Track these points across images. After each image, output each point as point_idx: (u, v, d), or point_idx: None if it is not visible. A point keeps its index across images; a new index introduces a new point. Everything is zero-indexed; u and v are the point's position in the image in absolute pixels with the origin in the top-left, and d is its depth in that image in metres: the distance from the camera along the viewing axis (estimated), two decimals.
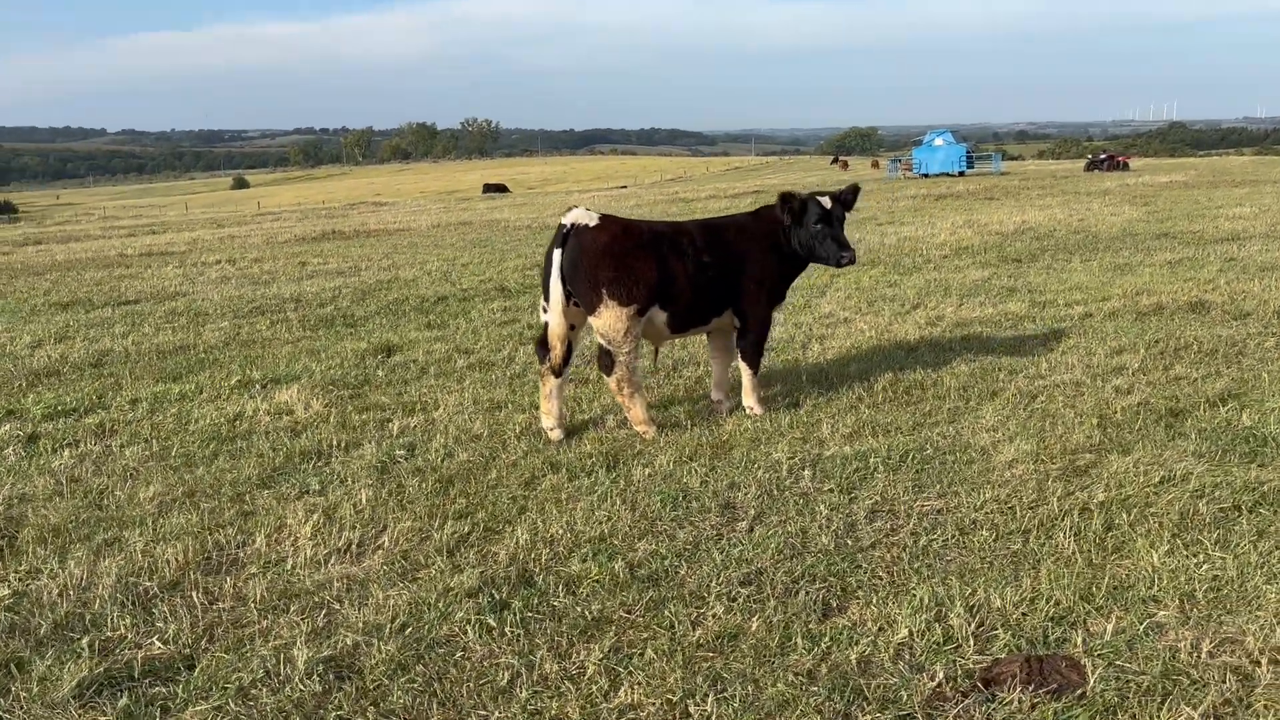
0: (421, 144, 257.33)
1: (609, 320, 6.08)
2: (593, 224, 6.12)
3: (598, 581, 4.30)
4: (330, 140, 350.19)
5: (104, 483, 5.68)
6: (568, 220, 6.13)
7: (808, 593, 4.20)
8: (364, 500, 5.27)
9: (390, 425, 6.70)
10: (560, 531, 4.85)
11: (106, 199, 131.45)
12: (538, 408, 6.86)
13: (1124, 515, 4.88)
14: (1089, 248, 15.73)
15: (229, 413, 7.08)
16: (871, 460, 5.80)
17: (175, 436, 6.56)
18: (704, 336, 7.42)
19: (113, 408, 7.34)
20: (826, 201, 6.71)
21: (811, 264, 7.06)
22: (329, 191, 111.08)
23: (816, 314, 10.60)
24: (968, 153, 52.99)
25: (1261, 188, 29.13)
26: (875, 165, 73.43)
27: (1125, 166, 49.55)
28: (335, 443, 6.33)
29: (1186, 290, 10.99)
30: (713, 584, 4.28)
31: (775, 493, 5.39)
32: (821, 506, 5.14)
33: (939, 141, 53.08)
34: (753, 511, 5.13)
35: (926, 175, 50.98)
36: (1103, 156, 51.05)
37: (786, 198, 6.69)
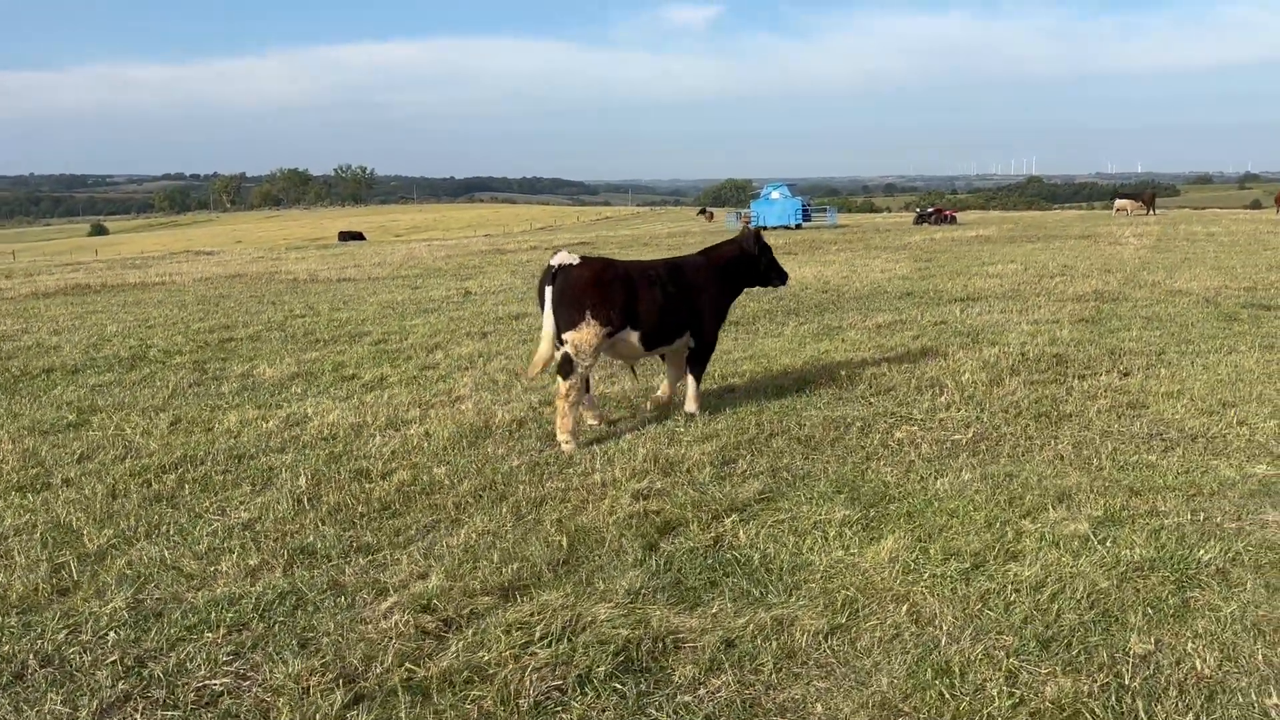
0: (294, 190, 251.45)
1: (586, 336, 7.20)
2: (575, 263, 7.32)
3: None
4: (200, 186, 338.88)
5: None
6: (555, 261, 7.31)
7: None
8: None
9: None
10: None
11: None
12: None
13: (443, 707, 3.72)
14: (820, 308, 15.04)
15: None
16: (232, 611, 4.56)
17: None
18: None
19: None
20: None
21: None
22: (189, 239, 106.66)
23: (426, 393, 9.39)
24: (804, 206, 53.46)
25: (1052, 243, 29.51)
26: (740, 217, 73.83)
27: (951, 220, 50.53)
28: None
29: (858, 359, 10.22)
30: None
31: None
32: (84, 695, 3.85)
33: (775, 195, 53.39)
34: None
35: (765, 228, 51.03)
36: (930, 210, 52.08)
37: (757, 234, 8.63)
